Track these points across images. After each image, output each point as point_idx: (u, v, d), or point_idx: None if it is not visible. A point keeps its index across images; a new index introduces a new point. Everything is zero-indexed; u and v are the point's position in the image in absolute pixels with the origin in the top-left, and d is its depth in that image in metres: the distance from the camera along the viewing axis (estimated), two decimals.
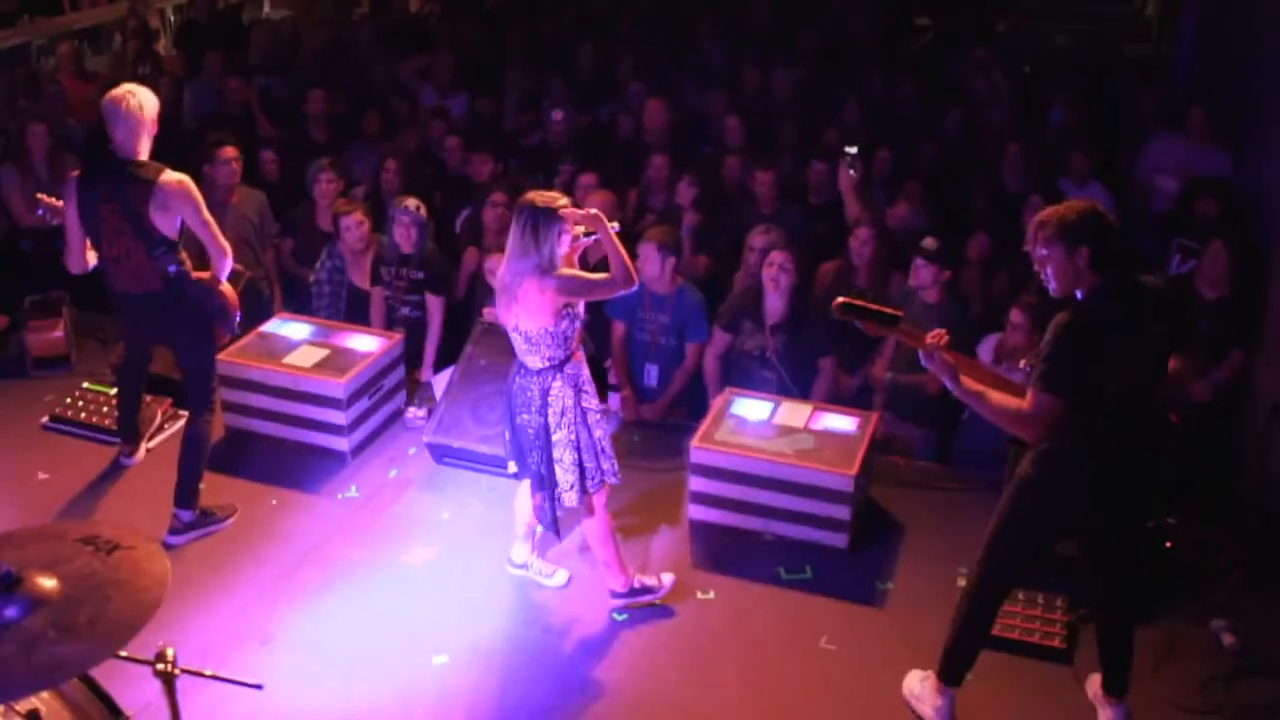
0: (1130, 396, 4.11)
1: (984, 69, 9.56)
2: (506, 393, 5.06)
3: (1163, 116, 8.59)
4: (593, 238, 4.90)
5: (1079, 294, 4.10)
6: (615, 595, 5.32)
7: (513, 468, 5.21)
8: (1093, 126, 8.64)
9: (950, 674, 4.60)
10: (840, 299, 4.35)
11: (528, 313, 4.79)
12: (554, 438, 4.94)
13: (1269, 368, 6.08)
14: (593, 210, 4.86)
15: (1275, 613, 5.30)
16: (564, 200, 4.82)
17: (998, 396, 4.13)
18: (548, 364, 4.88)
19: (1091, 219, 4.05)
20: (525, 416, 4.94)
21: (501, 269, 4.89)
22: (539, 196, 4.80)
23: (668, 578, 5.45)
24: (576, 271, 4.86)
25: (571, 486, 4.99)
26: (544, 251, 4.74)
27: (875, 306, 4.37)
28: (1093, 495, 4.29)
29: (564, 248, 4.78)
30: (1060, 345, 4.00)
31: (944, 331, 4.20)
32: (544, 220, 4.73)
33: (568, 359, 4.92)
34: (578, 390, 4.97)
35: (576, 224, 4.82)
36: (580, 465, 4.98)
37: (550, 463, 4.97)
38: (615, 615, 5.29)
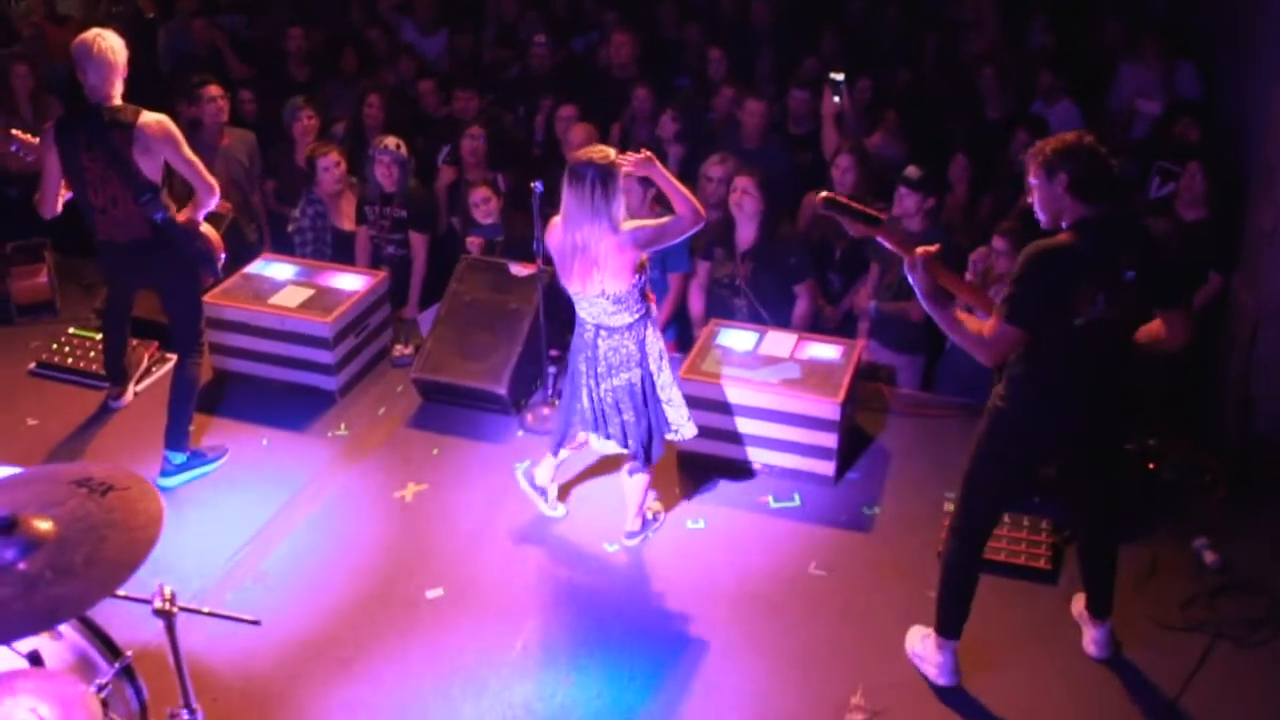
0: (1100, 329, 4.04)
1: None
2: (579, 364, 5.02)
3: (1130, 42, 8.58)
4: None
5: (1064, 224, 4.04)
6: (630, 535, 5.38)
7: (593, 440, 5.22)
8: (1072, 51, 8.62)
9: (947, 626, 4.59)
10: (824, 194, 4.35)
11: (613, 274, 4.72)
12: (659, 382, 5.02)
13: (1248, 288, 6.12)
14: (645, 153, 4.74)
15: (1257, 530, 5.38)
16: (614, 152, 4.71)
17: (964, 319, 4.13)
18: (637, 316, 4.88)
19: (1073, 147, 3.99)
20: (624, 375, 4.94)
21: (563, 236, 4.76)
22: (594, 153, 4.69)
23: (659, 507, 5.54)
24: (646, 221, 4.82)
25: (688, 419, 5.16)
26: (614, 210, 4.67)
27: (859, 205, 4.35)
28: (1059, 424, 4.26)
29: (625, 201, 4.72)
30: (1024, 277, 3.97)
31: (935, 247, 4.14)
32: (610, 178, 4.63)
33: (649, 305, 4.95)
34: (659, 333, 5.05)
35: (629, 171, 4.73)
36: (685, 397, 5.14)
37: (659, 407, 5.05)
38: (607, 545, 5.34)
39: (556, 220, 4.84)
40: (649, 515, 5.46)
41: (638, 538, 5.38)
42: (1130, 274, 3.96)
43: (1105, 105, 8.29)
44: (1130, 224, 4.07)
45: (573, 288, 4.85)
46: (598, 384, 4.99)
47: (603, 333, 4.90)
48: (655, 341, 4.98)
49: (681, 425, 5.16)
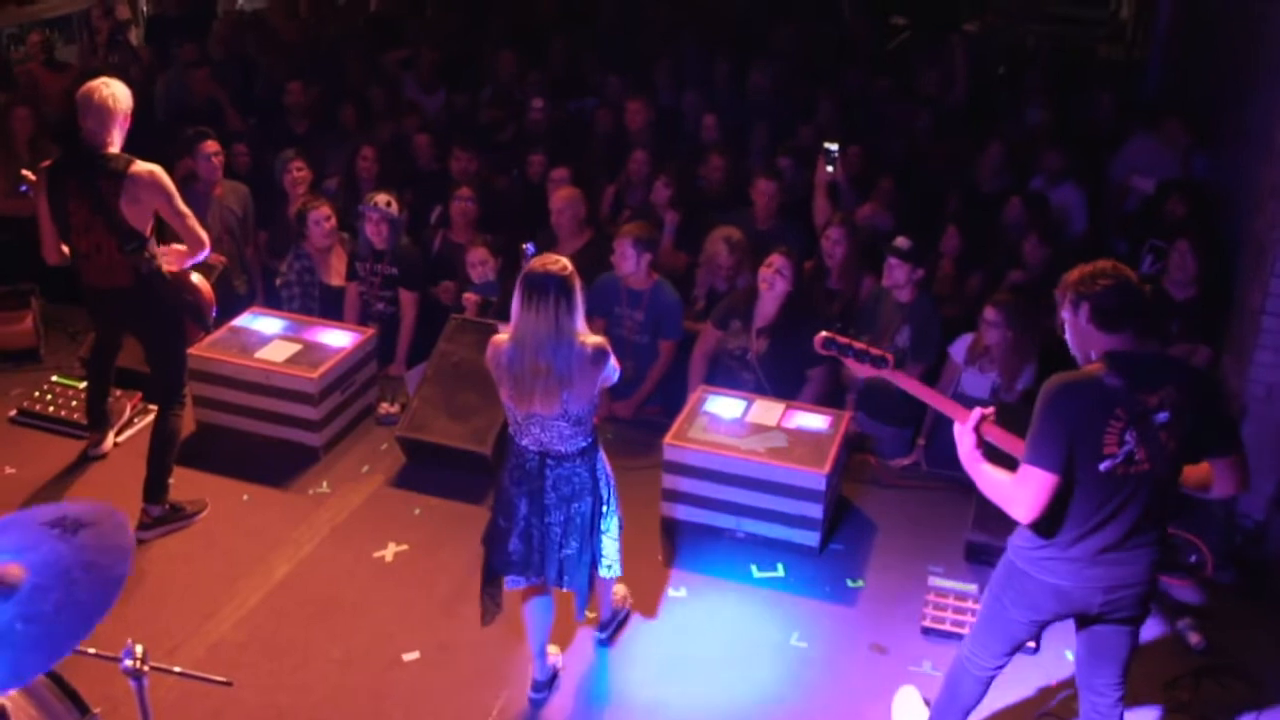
0: (1139, 481, 3.71)
1: (944, 59, 9.58)
2: (516, 501, 4.51)
3: (1136, 119, 8.65)
4: None
5: (1093, 356, 3.79)
6: (602, 629, 5.16)
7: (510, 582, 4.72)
8: (1067, 127, 8.70)
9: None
10: (824, 334, 4.27)
11: (580, 393, 4.32)
12: (604, 510, 4.62)
13: (1237, 366, 6.12)
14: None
15: (1242, 613, 5.35)
16: (566, 260, 4.35)
17: (996, 473, 3.85)
18: (589, 440, 4.49)
19: (1093, 274, 3.74)
20: (575, 506, 4.50)
21: (516, 357, 4.28)
22: (550, 264, 4.27)
23: (621, 590, 5.27)
24: (595, 337, 4.40)
25: (618, 553, 4.73)
26: (578, 323, 4.30)
27: (862, 346, 4.25)
28: (1067, 585, 3.89)
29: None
30: (1045, 411, 3.70)
31: (991, 410, 3.93)
32: (572, 290, 4.26)
33: (596, 427, 4.58)
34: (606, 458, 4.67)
35: None
36: (621, 530, 4.75)
37: (597, 538, 4.63)
38: (587, 613, 5.25)
39: (501, 338, 4.37)
40: (617, 605, 5.21)
41: (607, 632, 5.17)
42: (1164, 415, 3.65)
43: (1106, 178, 8.34)
44: (1167, 360, 3.80)
45: (526, 411, 4.36)
46: (541, 519, 4.51)
47: (551, 461, 4.43)
48: (606, 467, 4.61)
49: (614, 562, 4.74)
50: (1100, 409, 3.66)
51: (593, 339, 4.33)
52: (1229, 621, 5.27)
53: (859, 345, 4.25)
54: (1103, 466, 3.68)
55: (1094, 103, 9.07)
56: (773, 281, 6.44)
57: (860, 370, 4.29)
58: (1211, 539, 5.60)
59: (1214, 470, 3.88)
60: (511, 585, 4.70)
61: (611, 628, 5.19)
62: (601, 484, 4.57)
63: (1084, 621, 4.08)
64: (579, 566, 4.58)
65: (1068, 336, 3.90)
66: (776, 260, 6.44)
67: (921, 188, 8.23)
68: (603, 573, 4.73)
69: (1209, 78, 8.48)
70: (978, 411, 3.91)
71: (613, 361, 4.38)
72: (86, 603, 3.16)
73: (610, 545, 4.70)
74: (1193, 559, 5.57)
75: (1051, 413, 3.69)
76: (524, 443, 4.44)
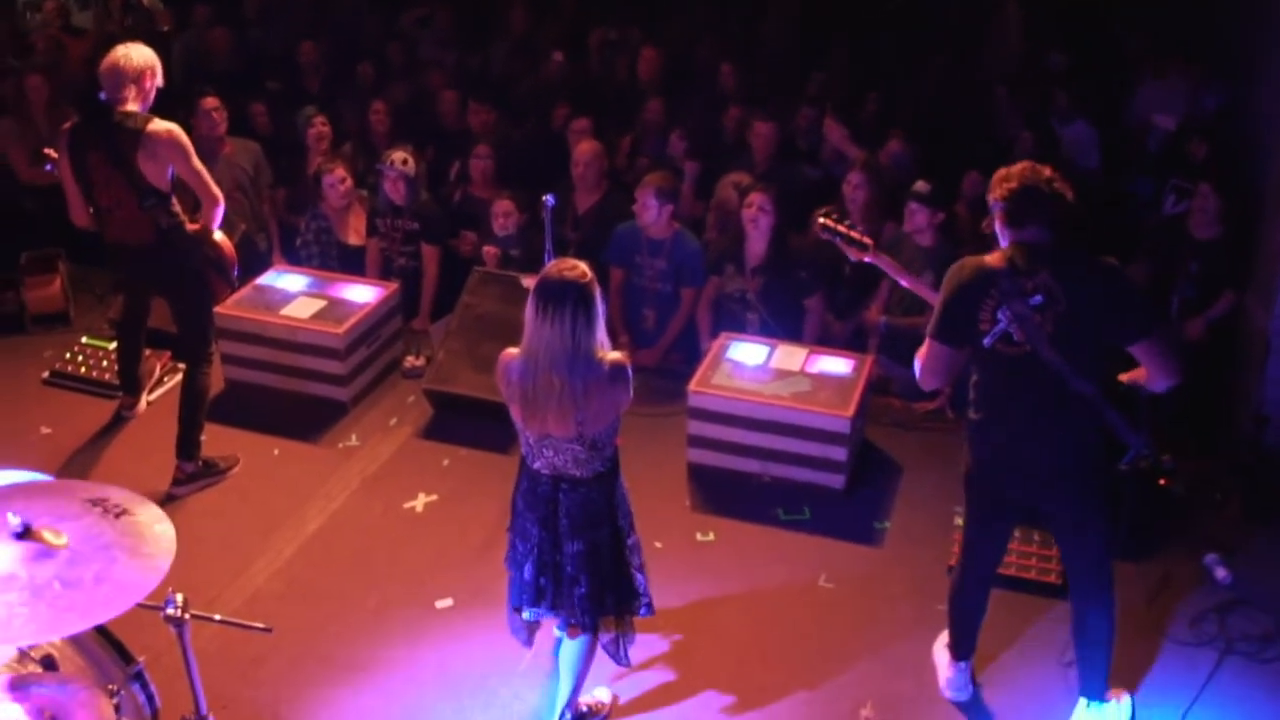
0: (1031, 365, 3.91)
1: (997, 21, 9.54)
2: (529, 528, 4.17)
3: (1154, 59, 8.59)
4: None
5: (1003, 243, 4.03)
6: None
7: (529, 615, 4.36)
8: (1090, 68, 8.65)
9: (955, 648, 4.61)
10: (821, 219, 4.49)
11: (597, 414, 3.95)
12: (628, 543, 4.25)
13: (1262, 306, 6.11)
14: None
15: (1268, 547, 5.38)
16: (584, 265, 3.97)
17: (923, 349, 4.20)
18: (607, 466, 4.12)
19: (1004, 178, 3.97)
20: (589, 537, 4.12)
21: (528, 374, 3.93)
22: (566, 270, 3.89)
23: (604, 700, 4.62)
24: (616, 354, 4.01)
25: (647, 589, 4.33)
26: (598, 337, 3.94)
27: (845, 229, 4.55)
28: (994, 464, 4.21)
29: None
30: (941, 291, 4.06)
31: None
32: (591, 300, 3.88)
33: (618, 451, 4.20)
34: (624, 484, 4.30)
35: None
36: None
37: (627, 572, 4.25)
38: None
39: (512, 352, 4.02)
40: (584, 708, 4.52)
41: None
42: (1038, 298, 3.84)
43: (1121, 120, 8.31)
44: (1064, 253, 3.92)
45: (539, 431, 4.00)
46: (554, 547, 4.15)
47: (565, 486, 4.08)
48: (625, 494, 4.24)
49: (644, 603, 4.33)
50: (979, 286, 3.95)
51: (611, 355, 3.95)
52: (1256, 557, 5.29)
53: (843, 229, 4.59)
54: (985, 342, 3.94)
55: (1126, 45, 9.01)
56: (757, 219, 6.51)
57: (850, 254, 4.60)
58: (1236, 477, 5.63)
59: (1139, 360, 4.05)
60: (534, 618, 4.37)
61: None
62: (620, 513, 4.20)
63: (1032, 513, 4.50)
64: (594, 608, 4.21)
65: (997, 231, 4.10)
66: (756, 199, 6.52)
67: (938, 133, 8.20)
68: (641, 613, 4.34)
69: (1235, 13, 8.39)
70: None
71: (631, 384, 4.02)
72: (126, 583, 3.23)
73: (641, 579, 4.30)
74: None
75: (943, 288, 4.06)
76: (537, 466, 4.09)
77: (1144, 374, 4.11)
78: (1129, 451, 4.19)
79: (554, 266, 3.94)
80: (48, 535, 3.28)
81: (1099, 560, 4.26)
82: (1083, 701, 4.44)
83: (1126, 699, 4.55)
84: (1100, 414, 4.00)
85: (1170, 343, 4.08)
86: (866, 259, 4.64)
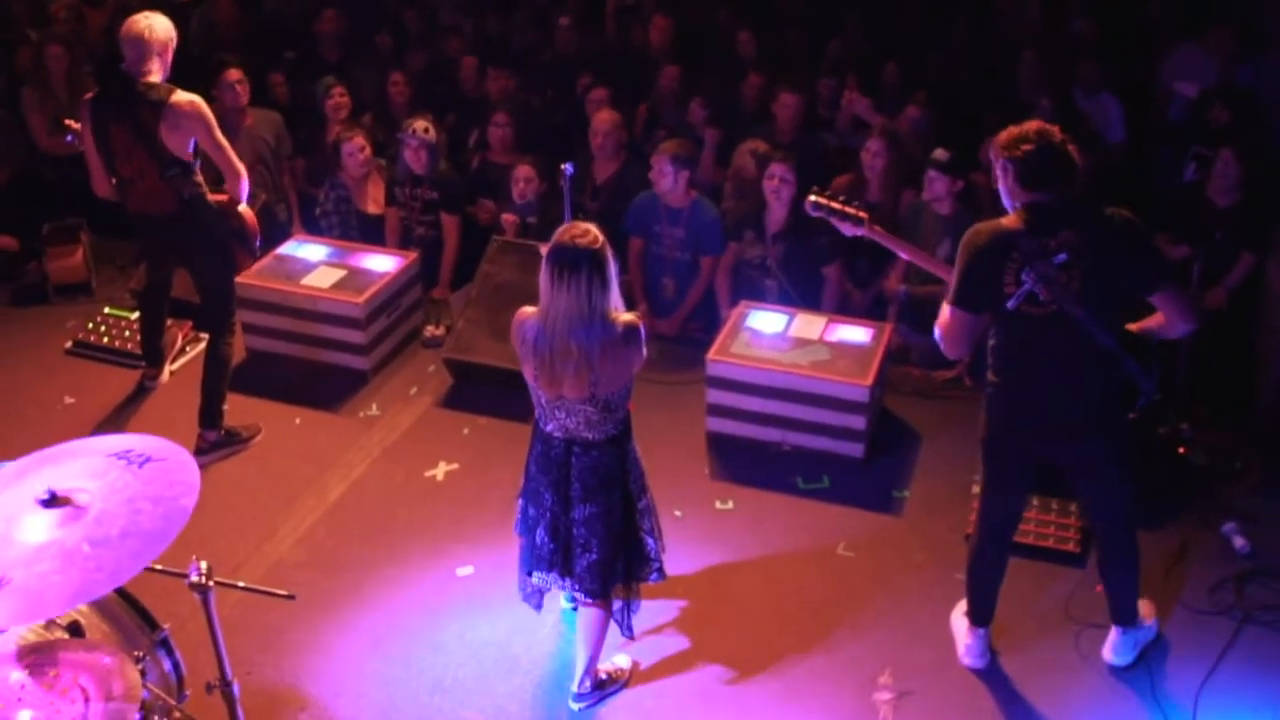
0: (1047, 320, 3.98)
1: None
2: (543, 491, 4.21)
3: (1183, 27, 8.50)
4: None
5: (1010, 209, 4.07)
6: (578, 698, 4.47)
7: (539, 579, 4.39)
8: (1114, 36, 8.57)
9: (974, 614, 4.64)
10: (812, 196, 4.49)
11: (611, 376, 3.98)
12: (639, 506, 4.29)
13: None
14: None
15: None
16: (595, 228, 3.98)
17: (943, 316, 4.20)
18: (620, 429, 4.15)
19: (1021, 137, 3.96)
20: (601, 500, 4.15)
21: (543, 337, 3.97)
22: (578, 235, 3.91)
23: (623, 666, 4.64)
24: (629, 315, 4.04)
25: (664, 551, 4.41)
26: (612, 299, 3.97)
27: (839, 205, 4.52)
28: (1017, 424, 4.27)
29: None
30: (959, 257, 4.05)
31: None
32: (604, 264, 3.90)
33: (630, 414, 4.23)
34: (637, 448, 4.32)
35: None
36: (659, 530, 4.42)
37: (638, 536, 4.30)
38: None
39: (528, 312, 4.07)
40: (604, 675, 4.54)
41: (585, 702, 4.46)
42: (1062, 256, 3.90)
43: (1147, 87, 8.23)
44: (1081, 210, 3.98)
45: (554, 394, 4.04)
46: (565, 511, 4.19)
47: (578, 449, 4.12)
48: (637, 456, 4.27)
49: (658, 565, 4.40)
50: (999, 251, 3.96)
51: (624, 316, 3.99)
52: (1274, 526, 5.28)
53: (837, 205, 4.53)
54: (1009, 305, 3.96)
55: (1153, 11, 8.92)
56: (778, 191, 6.52)
57: (844, 229, 4.55)
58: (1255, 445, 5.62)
59: (1158, 307, 4.12)
60: (541, 584, 4.41)
61: (590, 699, 4.49)
62: (631, 478, 4.24)
63: (1052, 475, 4.53)
64: (605, 575, 4.24)
65: (1000, 191, 4.11)
66: (778, 169, 6.52)
67: (959, 100, 8.15)
68: (651, 579, 4.41)
69: None
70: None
71: (644, 344, 4.06)
72: (150, 532, 3.27)
73: (652, 544, 4.36)
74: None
75: (961, 255, 4.05)
76: (549, 428, 4.14)
77: (1155, 322, 4.18)
78: (1140, 398, 4.20)
79: (565, 232, 3.95)
80: (74, 499, 3.31)
81: (1123, 498, 4.35)
82: (1115, 630, 4.59)
83: (1154, 619, 4.71)
84: (1120, 363, 4.06)
85: (1186, 289, 4.13)
86: (861, 233, 4.60)
